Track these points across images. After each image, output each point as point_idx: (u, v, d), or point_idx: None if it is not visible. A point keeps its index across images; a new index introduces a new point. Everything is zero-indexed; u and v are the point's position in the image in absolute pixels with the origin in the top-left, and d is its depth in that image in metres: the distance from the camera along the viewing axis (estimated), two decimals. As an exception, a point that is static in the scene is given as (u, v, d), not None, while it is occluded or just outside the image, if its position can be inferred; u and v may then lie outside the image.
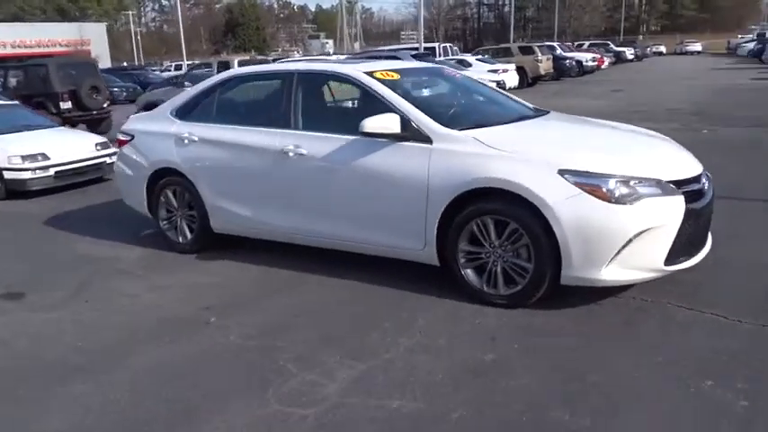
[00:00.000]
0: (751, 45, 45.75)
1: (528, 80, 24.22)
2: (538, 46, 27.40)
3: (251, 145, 4.73)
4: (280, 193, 4.63)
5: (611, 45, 47.65)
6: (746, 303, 3.71)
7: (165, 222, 5.44)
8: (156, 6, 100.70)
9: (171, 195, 5.33)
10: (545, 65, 25.96)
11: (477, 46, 58.69)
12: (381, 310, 3.91)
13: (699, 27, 78.75)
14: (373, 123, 4.01)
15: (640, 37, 70.50)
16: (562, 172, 3.57)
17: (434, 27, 78.36)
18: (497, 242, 3.79)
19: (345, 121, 4.55)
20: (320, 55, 40.88)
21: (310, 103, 4.71)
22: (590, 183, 3.52)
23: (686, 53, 59.88)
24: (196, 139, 5.04)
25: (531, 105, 5.05)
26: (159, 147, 5.31)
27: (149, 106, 13.56)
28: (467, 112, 4.58)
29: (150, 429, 2.79)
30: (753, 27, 80.00)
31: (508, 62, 23.44)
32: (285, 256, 4.94)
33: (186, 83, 13.53)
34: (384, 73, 4.54)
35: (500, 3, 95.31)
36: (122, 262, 5.24)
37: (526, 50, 26.34)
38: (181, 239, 5.36)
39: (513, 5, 47.87)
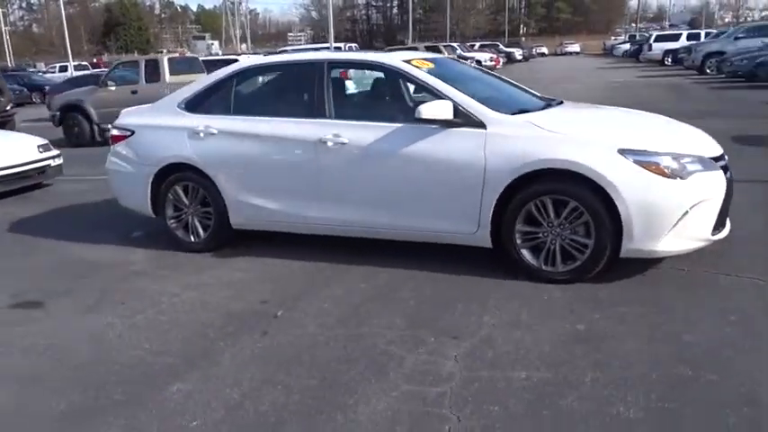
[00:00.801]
0: (626, 46, 49.54)
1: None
2: (444, 46, 28.16)
3: (282, 135, 4.64)
4: (315, 183, 4.57)
5: (501, 46, 49.79)
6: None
7: (172, 221, 5.20)
8: (24, 4, 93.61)
9: (181, 192, 5.10)
10: (451, 64, 26.74)
11: (368, 47, 59.28)
12: (446, 294, 3.99)
13: (574, 29, 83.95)
14: (429, 110, 4.08)
15: (523, 39, 74.02)
16: (622, 151, 3.81)
17: (325, 28, 78.43)
18: (557, 221, 3.97)
19: (387, 108, 4.58)
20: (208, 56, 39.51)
21: (345, 92, 4.69)
22: (648, 160, 3.79)
23: (566, 54, 63.81)
24: (215, 131, 4.86)
25: (538, 94, 5.29)
26: (168, 141, 5.07)
27: (69, 108, 12.78)
28: (503, 98, 4.72)
29: (290, 420, 2.72)
30: (619, 30, 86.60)
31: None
32: (308, 249, 4.89)
33: (109, 82, 12.77)
34: (420, 61, 4.61)
35: (387, 5, 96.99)
36: (132, 264, 4.97)
37: (433, 50, 27.02)
38: (193, 238, 5.14)
39: (411, 7, 48.68)
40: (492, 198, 4.06)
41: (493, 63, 34.40)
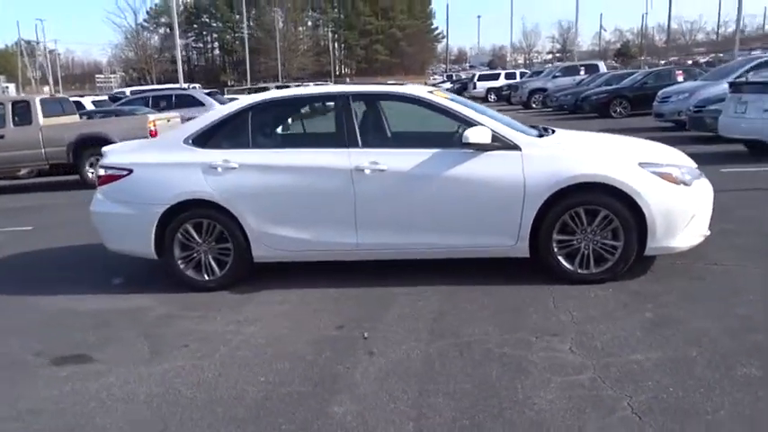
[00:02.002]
0: (447, 85, 53.57)
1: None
2: (298, 85, 28.65)
3: (313, 166, 4.72)
4: (352, 210, 4.69)
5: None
6: (744, 255, 4.99)
7: (181, 262, 4.98)
8: None
9: (192, 230, 4.92)
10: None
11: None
12: (508, 302, 4.32)
13: (392, 70, 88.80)
14: (474, 135, 4.45)
15: (347, 79, 76.82)
16: (642, 164, 4.47)
17: (146, 69, 75.40)
18: (589, 228, 4.51)
19: (419, 136, 4.85)
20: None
21: (375, 122, 4.90)
22: (662, 171, 4.48)
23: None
24: (236, 165, 4.80)
25: None
26: (179, 178, 4.89)
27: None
28: (514, 125, 5.18)
29: (485, 420, 2.89)
30: (431, 70, 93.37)
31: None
32: (324, 277, 4.98)
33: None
34: (439, 93, 4.97)
35: (208, 46, 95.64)
36: (150, 309, 4.69)
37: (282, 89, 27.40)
38: (207, 276, 4.97)
39: (247, 48, 48.53)
40: (531, 213, 4.50)
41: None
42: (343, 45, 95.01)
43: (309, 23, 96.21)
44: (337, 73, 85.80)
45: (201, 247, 4.95)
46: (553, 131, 5.14)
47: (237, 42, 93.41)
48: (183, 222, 4.91)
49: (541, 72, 32.88)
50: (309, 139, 4.95)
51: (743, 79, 10.92)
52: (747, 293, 4.22)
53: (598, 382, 3.15)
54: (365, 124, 4.83)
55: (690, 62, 46.14)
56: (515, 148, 4.56)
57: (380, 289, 4.73)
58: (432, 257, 4.81)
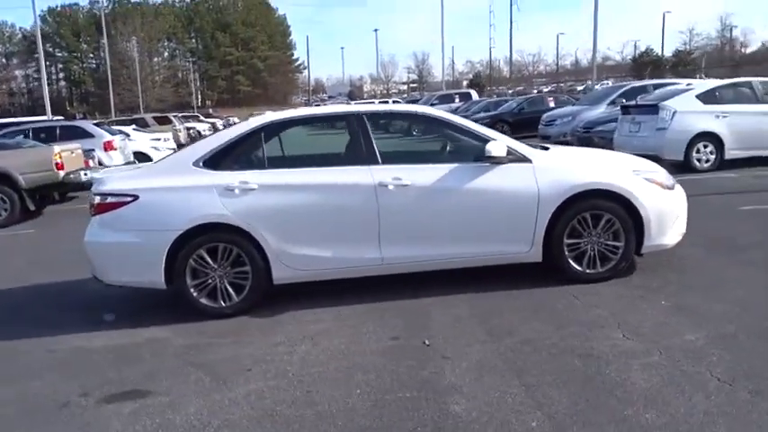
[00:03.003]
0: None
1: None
2: (173, 116, 27.67)
3: (335, 183, 4.78)
4: (376, 225, 4.79)
5: (201, 117, 50.04)
6: (699, 249, 5.69)
7: (194, 289, 4.80)
8: None
9: (206, 255, 4.77)
10: (183, 133, 26.49)
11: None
12: (536, 303, 4.64)
13: (255, 101, 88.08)
14: (495, 149, 4.75)
15: (210, 110, 75.08)
16: (636, 172, 5.01)
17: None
18: (594, 231, 4.96)
19: (435, 152, 5.07)
20: None
21: (392, 139, 5.05)
22: (652, 177, 5.05)
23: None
24: (255, 186, 4.73)
25: None
26: (193, 202, 4.73)
27: None
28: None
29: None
30: (301, 98, 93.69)
31: (153, 132, 23.15)
32: (338, 294, 5.04)
33: None
34: (445, 112, 5.24)
35: (53, 77, 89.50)
36: (172, 339, 4.47)
37: (163, 120, 26.37)
38: (223, 303, 4.82)
39: (110, 78, 45.93)
40: (544, 219, 4.87)
41: (212, 131, 34.66)
42: (203, 76, 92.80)
43: (166, 54, 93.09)
44: (199, 104, 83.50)
45: (216, 272, 4.79)
46: (547, 148, 5.57)
47: (86, 73, 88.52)
48: (197, 248, 4.74)
49: (417, 100, 34.31)
50: (326, 158, 4.99)
51: (632, 102, 12.23)
52: (729, 279, 4.84)
53: (672, 361, 3.51)
54: (381, 142, 4.96)
55: (535, 91, 50.35)
56: (527, 160, 4.91)
57: (406, 301, 4.85)
58: (450, 267, 5.02)
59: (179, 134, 25.76)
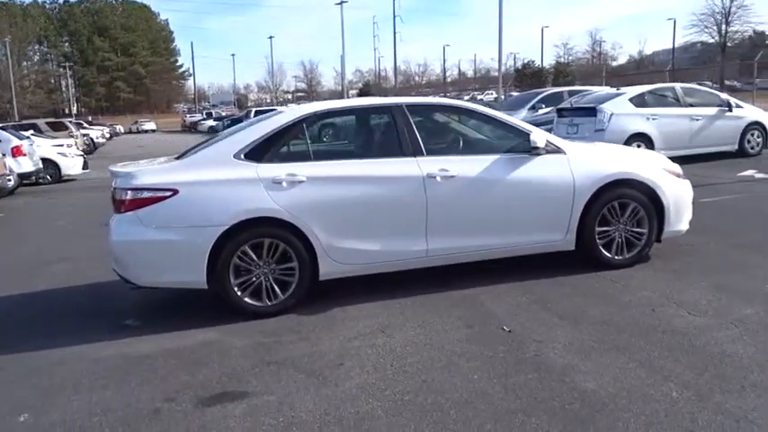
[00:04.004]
0: (210, 122, 52.39)
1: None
2: (69, 122, 25.82)
3: (384, 176, 4.71)
4: (424, 217, 4.76)
5: (84, 123, 47.16)
6: (698, 236, 6.13)
7: (237, 288, 4.55)
8: None
9: (251, 252, 4.54)
10: (80, 140, 24.83)
11: None
12: (582, 289, 4.80)
13: (136, 108, 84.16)
14: (538, 140, 4.89)
15: (89, 118, 70.78)
16: (654, 162, 5.34)
17: None
18: (622, 219, 5.21)
19: (475, 143, 5.12)
20: None
21: (435, 131, 5.04)
22: (669, 168, 5.40)
23: (143, 131, 63.63)
24: (303, 179, 4.56)
25: None
26: (239, 196, 4.48)
27: None
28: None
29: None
30: (182, 107, 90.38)
31: (54, 137, 21.55)
32: (370, 288, 4.96)
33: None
34: (481, 106, 5.32)
35: None
36: (228, 341, 4.19)
37: (58, 126, 24.58)
38: (268, 301, 4.60)
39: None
40: (579, 208, 5.06)
41: (105, 139, 32.83)
42: (79, 82, 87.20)
43: (36, 58, 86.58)
44: (74, 111, 78.38)
45: (261, 269, 4.56)
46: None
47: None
48: (242, 244, 4.50)
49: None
50: (371, 149, 4.89)
51: (568, 105, 12.92)
52: (742, 262, 5.27)
53: (752, 332, 3.77)
54: (423, 134, 4.94)
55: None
56: (561, 151, 5.09)
57: (454, 292, 4.85)
58: (491, 258, 5.07)
59: (75, 140, 24.08)
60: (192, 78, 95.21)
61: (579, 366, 3.44)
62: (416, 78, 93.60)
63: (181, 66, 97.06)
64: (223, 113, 59.99)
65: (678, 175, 5.41)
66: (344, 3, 56.91)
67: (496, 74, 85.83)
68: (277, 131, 4.72)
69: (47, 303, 5.42)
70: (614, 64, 73.58)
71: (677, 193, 5.31)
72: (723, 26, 64.44)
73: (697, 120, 11.78)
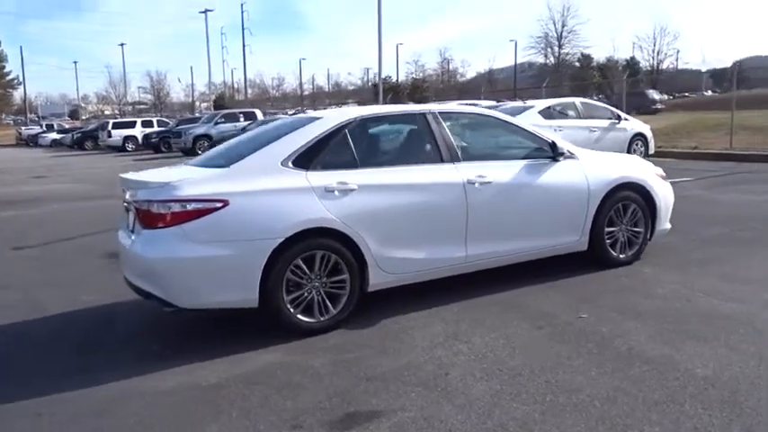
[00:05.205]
0: (53, 135, 48.06)
1: None
2: None
3: (429, 182, 4.69)
4: (464, 223, 4.80)
5: None
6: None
7: (290, 306, 4.30)
8: None
9: (303, 265, 4.32)
10: None
11: None
12: (610, 286, 5.08)
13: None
14: (564, 147, 5.13)
15: None
16: (646, 166, 5.80)
17: None
18: (624, 219, 5.60)
19: (506, 149, 5.24)
20: None
21: (466, 137, 5.07)
22: (657, 171, 5.89)
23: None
24: (355, 187, 4.41)
25: None
26: (292, 205, 4.23)
27: None
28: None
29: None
30: (8, 118, 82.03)
31: None
32: (420, 293, 4.92)
33: None
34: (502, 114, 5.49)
35: None
36: (305, 360, 3.94)
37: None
38: (321, 317, 4.39)
39: None
40: (593, 210, 5.37)
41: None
42: None
43: None
44: None
45: (312, 283, 4.35)
46: None
47: None
48: (295, 257, 4.25)
49: (197, 119, 32.76)
50: (410, 156, 4.78)
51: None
52: (722, 255, 5.86)
53: (784, 313, 4.23)
54: (462, 139, 5.03)
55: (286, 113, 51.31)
56: (575, 157, 5.37)
57: (496, 295, 4.92)
58: (519, 261, 5.21)
59: None
60: (21, 87, 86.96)
61: (678, 356, 3.64)
62: (272, 91, 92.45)
63: (9, 73, 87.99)
64: (66, 126, 55.38)
65: (663, 178, 5.91)
66: (208, 12, 54.91)
67: (351, 87, 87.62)
68: (321, 137, 4.52)
69: (47, 335, 4.72)
70: (462, 80, 77.78)
71: (665, 194, 5.81)
72: (556, 48, 70.87)
73: (594, 131, 12.85)
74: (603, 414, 3.04)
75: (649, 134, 14.04)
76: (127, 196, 4.62)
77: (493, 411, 3.13)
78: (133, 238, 4.36)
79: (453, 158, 4.84)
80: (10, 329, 4.88)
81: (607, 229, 5.49)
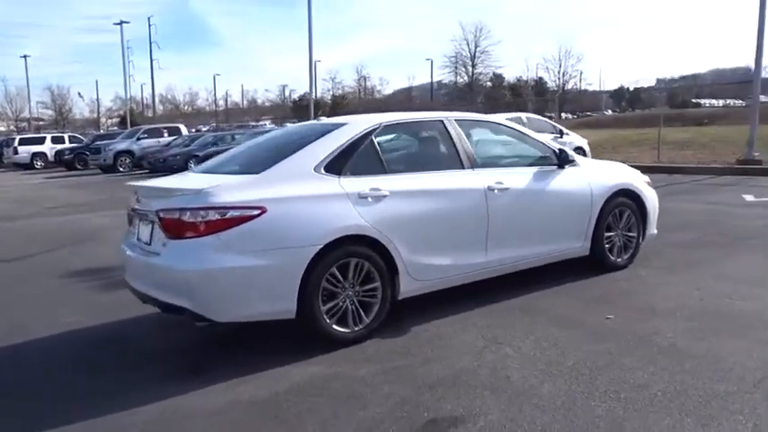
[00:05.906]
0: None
1: None
2: None
3: (454, 188, 4.69)
4: (485, 229, 4.84)
5: None
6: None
7: (326, 315, 4.17)
8: None
9: (338, 273, 4.21)
10: None
11: None
12: (618, 288, 5.25)
13: None
14: (572, 155, 5.28)
15: None
16: (636, 174, 6.07)
17: None
18: (621, 225, 5.83)
19: (518, 156, 5.31)
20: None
21: (480, 144, 5.11)
22: (646, 179, 6.17)
23: None
24: (387, 193, 4.35)
25: None
26: (328, 212, 4.12)
27: None
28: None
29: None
30: None
31: None
32: (435, 303, 4.88)
33: None
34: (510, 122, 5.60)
35: None
36: (351, 371, 3.80)
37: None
38: (355, 326, 4.29)
39: None
40: (595, 216, 5.56)
41: None
42: None
43: None
44: None
45: (347, 291, 4.24)
46: None
47: None
48: (332, 265, 4.14)
49: (116, 135, 31.30)
50: (433, 162, 4.74)
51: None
52: (709, 257, 6.20)
53: (796, 306, 4.52)
54: (478, 146, 5.05)
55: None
56: (576, 164, 5.54)
57: (512, 300, 4.97)
58: (529, 266, 5.28)
59: None
60: None
61: (722, 351, 3.79)
62: (184, 107, 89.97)
63: None
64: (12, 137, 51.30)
65: (649, 184, 6.19)
66: (124, 24, 52.71)
67: (267, 104, 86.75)
68: (350, 143, 4.43)
69: (47, 360, 4.32)
70: (380, 96, 78.77)
71: (653, 200, 6.09)
72: (470, 68, 73.19)
73: (539, 144, 13.30)
74: (682, 407, 3.11)
75: (587, 147, 14.71)
76: (137, 205, 4.36)
77: (575, 410, 3.14)
78: (152, 249, 4.10)
79: (472, 164, 4.88)
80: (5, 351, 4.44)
81: (606, 234, 5.67)
